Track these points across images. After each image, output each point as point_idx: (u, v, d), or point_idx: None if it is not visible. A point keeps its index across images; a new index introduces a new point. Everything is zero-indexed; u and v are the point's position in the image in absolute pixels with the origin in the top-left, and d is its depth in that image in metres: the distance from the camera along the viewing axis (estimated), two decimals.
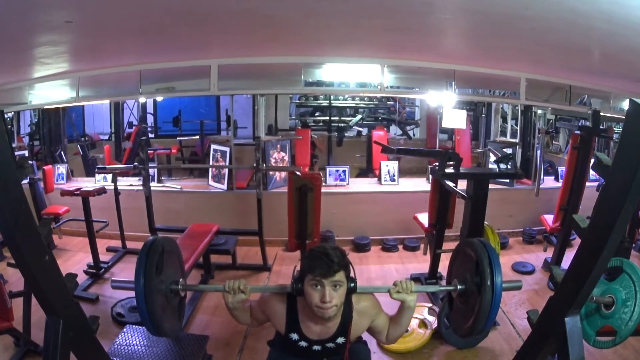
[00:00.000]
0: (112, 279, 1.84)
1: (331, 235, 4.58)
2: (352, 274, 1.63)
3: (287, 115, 7.25)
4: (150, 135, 7.42)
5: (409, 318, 1.74)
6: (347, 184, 4.95)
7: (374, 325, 1.76)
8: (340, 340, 1.72)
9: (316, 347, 1.73)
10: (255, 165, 3.94)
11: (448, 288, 1.85)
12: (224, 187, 4.76)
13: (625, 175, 1.39)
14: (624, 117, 1.58)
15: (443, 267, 3.70)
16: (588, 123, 3.56)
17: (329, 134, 6.77)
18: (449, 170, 3.08)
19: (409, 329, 2.84)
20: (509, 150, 5.31)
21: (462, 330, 1.84)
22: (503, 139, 5.89)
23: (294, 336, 1.72)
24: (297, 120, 7.36)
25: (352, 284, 1.62)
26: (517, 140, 5.36)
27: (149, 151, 6.21)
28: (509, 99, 5.79)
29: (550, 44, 3.18)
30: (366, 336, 1.91)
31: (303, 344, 1.73)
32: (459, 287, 1.78)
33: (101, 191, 3.89)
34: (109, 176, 4.75)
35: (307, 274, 1.57)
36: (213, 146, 5.13)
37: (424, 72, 4.79)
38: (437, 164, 3.19)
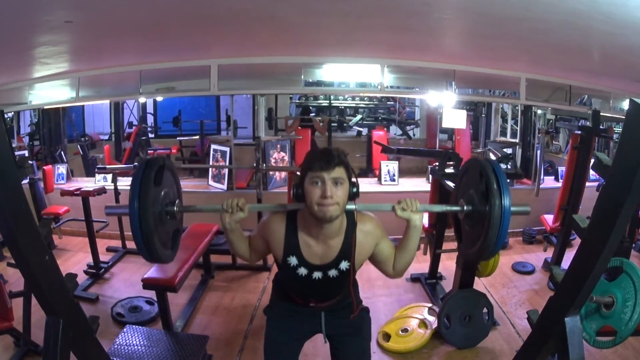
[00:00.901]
0: (106, 205, 1.71)
1: None
2: (354, 179, 1.52)
3: (286, 114, 7.24)
4: (150, 135, 7.41)
5: (416, 241, 1.63)
6: None
7: (379, 249, 1.64)
8: (343, 265, 1.59)
9: (317, 275, 1.59)
10: (255, 165, 3.94)
11: (454, 208, 1.74)
12: (224, 187, 4.76)
13: (625, 175, 1.39)
14: (624, 117, 1.58)
15: (443, 267, 3.71)
16: (588, 123, 3.57)
17: (329, 116, 6.74)
18: (449, 170, 3.08)
19: (408, 328, 2.86)
20: (509, 150, 5.31)
21: (471, 254, 1.72)
22: (503, 139, 5.90)
23: (293, 260, 1.59)
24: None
25: (355, 189, 1.51)
26: (517, 140, 5.36)
27: (149, 151, 6.24)
28: (509, 99, 5.79)
29: (550, 44, 3.18)
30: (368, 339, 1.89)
31: (302, 271, 1.59)
32: (465, 207, 1.68)
33: (101, 191, 3.89)
34: (109, 176, 4.74)
35: (307, 173, 1.46)
36: (213, 146, 5.13)
37: (424, 72, 4.80)
38: (437, 164, 3.20)
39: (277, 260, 1.66)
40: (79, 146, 6.19)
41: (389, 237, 1.67)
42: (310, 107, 7.02)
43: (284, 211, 1.62)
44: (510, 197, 1.53)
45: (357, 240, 1.57)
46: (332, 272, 1.60)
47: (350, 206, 1.56)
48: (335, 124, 6.87)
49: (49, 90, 5.01)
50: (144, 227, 1.46)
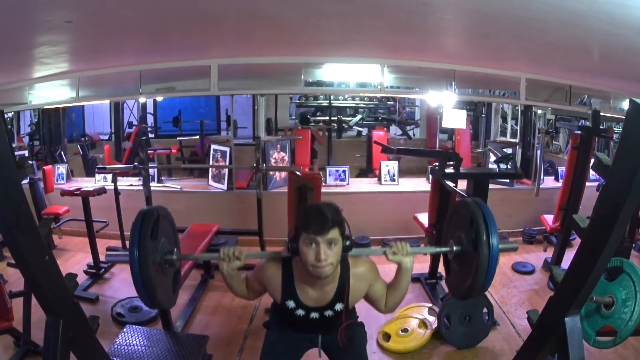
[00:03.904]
0: (107, 252, 1.78)
1: None
2: (347, 232, 1.56)
3: (287, 115, 7.25)
4: (150, 135, 7.41)
5: (407, 281, 1.69)
6: (347, 184, 4.95)
7: (372, 291, 1.71)
8: (338, 307, 1.67)
9: (314, 315, 1.68)
10: (255, 165, 3.94)
11: (444, 249, 1.81)
12: (224, 187, 4.76)
13: (625, 175, 1.39)
14: (624, 117, 1.58)
15: (443, 268, 3.71)
16: (588, 123, 3.56)
17: (329, 125, 6.75)
18: (449, 170, 3.08)
19: (408, 328, 2.86)
20: (509, 150, 5.31)
21: (461, 292, 1.77)
22: (503, 139, 5.90)
23: (291, 304, 1.67)
24: (297, 121, 7.36)
25: (348, 242, 1.56)
26: (517, 140, 5.36)
27: (149, 151, 6.21)
28: (509, 99, 5.79)
29: (550, 44, 3.18)
30: (367, 338, 1.90)
31: (300, 312, 1.68)
32: (455, 247, 1.74)
33: (101, 191, 3.89)
34: (109, 176, 4.75)
35: (301, 233, 1.51)
36: (213, 146, 5.13)
37: (424, 72, 4.79)
38: (437, 164, 3.19)
39: (275, 302, 1.74)
40: (79, 146, 6.19)
41: (381, 278, 1.74)
42: (309, 117, 6.99)
43: (280, 258, 1.68)
44: (498, 237, 1.60)
45: (350, 284, 1.66)
46: (328, 312, 1.69)
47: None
48: (335, 131, 6.87)
49: (49, 90, 5.02)
50: (145, 278, 1.53)
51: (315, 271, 1.51)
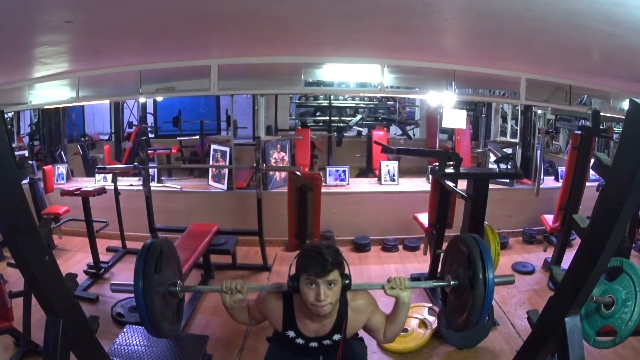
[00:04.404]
0: (112, 282, 1.83)
1: (331, 235, 4.57)
2: (346, 271, 1.64)
3: (287, 115, 7.25)
4: (150, 135, 7.42)
5: (405, 314, 1.75)
6: (347, 184, 4.95)
7: (370, 323, 1.78)
8: (336, 337, 1.74)
9: (313, 344, 1.75)
10: (255, 165, 3.94)
11: (441, 284, 1.87)
12: (224, 187, 4.76)
13: (625, 175, 1.39)
14: (624, 117, 1.58)
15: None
16: (588, 123, 3.56)
17: (329, 134, 6.77)
18: (449, 170, 3.08)
19: (408, 328, 2.86)
20: (509, 150, 5.31)
21: (456, 325, 1.85)
22: (503, 139, 5.89)
23: (291, 333, 1.74)
24: (297, 120, 7.36)
25: (347, 281, 1.64)
26: (517, 140, 5.36)
27: (149, 151, 6.22)
28: (509, 99, 5.79)
29: (550, 44, 3.18)
30: (366, 337, 1.91)
31: (300, 341, 1.75)
32: (452, 282, 1.80)
33: (101, 191, 3.89)
34: (109, 176, 4.75)
35: (302, 273, 1.58)
36: (213, 146, 5.13)
37: (424, 72, 4.79)
38: (437, 164, 3.19)
39: (276, 331, 1.81)
40: (79, 146, 6.19)
41: (380, 310, 1.80)
42: (307, 123, 6.99)
43: (281, 292, 1.74)
44: (493, 272, 1.66)
45: (348, 317, 1.73)
46: (326, 342, 1.75)
47: None
48: (336, 140, 6.87)
49: (49, 90, 5.01)
50: (149, 310, 1.59)
51: (314, 309, 1.58)
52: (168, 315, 1.74)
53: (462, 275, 1.76)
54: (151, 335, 1.80)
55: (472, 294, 1.66)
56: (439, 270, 3.62)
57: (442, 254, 2.03)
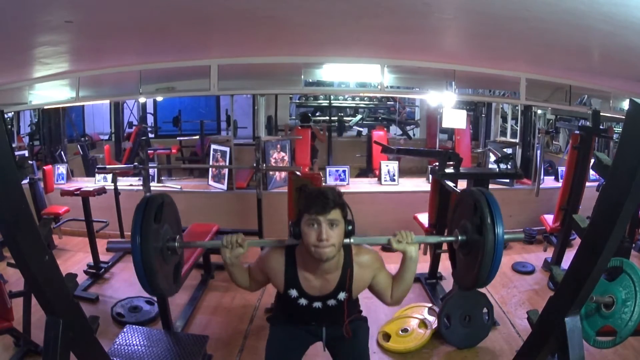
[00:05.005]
0: (108, 240, 1.77)
1: None
2: (349, 217, 1.58)
3: (287, 115, 7.25)
4: (150, 135, 7.41)
5: (413, 272, 1.68)
6: (347, 184, 4.95)
7: (376, 281, 1.70)
8: (341, 295, 1.67)
9: (317, 305, 1.68)
10: (255, 165, 3.93)
11: (450, 239, 1.80)
12: (224, 187, 4.76)
13: (625, 175, 1.39)
14: (624, 117, 1.58)
15: (443, 267, 3.71)
16: (588, 123, 3.56)
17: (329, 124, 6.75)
18: (449, 170, 3.08)
19: (408, 328, 2.86)
20: (509, 150, 5.31)
21: (466, 283, 1.77)
22: (503, 139, 5.89)
23: (293, 292, 1.67)
24: (297, 120, 7.36)
25: (350, 227, 1.57)
26: (517, 140, 5.36)
27: (149, 151, 6.22)
28: (509, 99, 5.78)
29: (550, 44, 3.18)
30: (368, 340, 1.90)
31: (303, 301, 1.67)
32: (460, 237, 1.74)
33: (101, 191, 3.89)
34: (109, 176, 4.74)
35: (303, 214, 1.53)
36: (213, 146, 5.13)
37: (424, 72, 4.79)
38: (437, 164, 3.19)
39: (278, 291, 1.74)
40: (79, 146, 6.19)
41: (386, 269, 1.74)
42: (310, 115, 7.00)
43: (283, 246, 1.68)
44: (504, 226, 1.60)
45: (354, 273, 1.65)
46: (331, 302, 1.68)
47: (347, 240, 1.62)
48: (335, 130, 6.87)
49: (49, 90, 5.01)
50: (146, 263, 1.52)
51: (317, 252, 1.51)
52: (165, 272, 1.67)
53: (470, 230, 1.69)
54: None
55: (482, 244, 1.59)
56: (445, 274, 3.63)
57: (449, 210, 1.96)
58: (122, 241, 1.60)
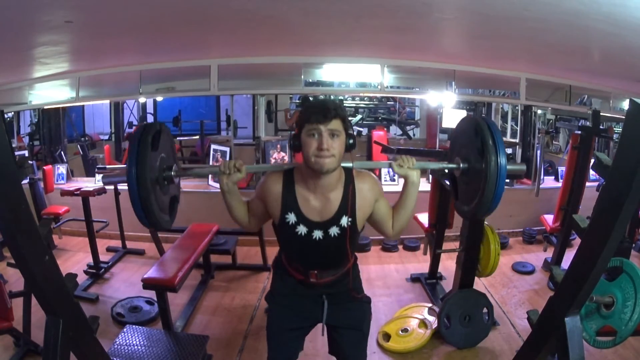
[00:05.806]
0: (103, 175, 1.73)
1: None
2: (350, 131, 1.53)
3: (286, 107, 7.25)
4: None
5: (414, 198, 1.62)
6: None
7: (377, 209, 1.64)
8: (344, 221, 1.57)
9: (317, 234, 1.58)
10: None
11: (451, 166, 1.76)
12: None
13: (625, 175, 1.39)
14: (624, 117, 1.58)
15: (443, 267, 3.71)
16: (588, 123, 3.57)
17: None
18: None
19: (408, 328, 2.86)
20: (509, 150, 5.31)
21: (468, 212, 1.73)
22: (503, 139, 5.89)
23: (291, 217, 1.57)
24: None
25: (351, 141, 1.51)
26: (517, 140, 5.36)
27: None
28: (509, 99, 5.79)
29: (550, 44, 3.18)
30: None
31: (302, 229, 1.58)
32: (461, 165, 1.70)
33: (101, 191, 3.88)
34: None
35: (304, 125, 1.47)
36: (213, 146, 5.13)
37: (424, 72, 4.80)
38: None
39: (275, 221, 1.65)
40: (79, 146, 6.19)
41: (386, 199, 1.68)
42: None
43: (281, 170, 1.62)
44: (506, 155, 1.56)
45: (356, 193, 1.58)
46: (333, 230, 1.58)
47: (348, 164, 1.58)
48: None
49: (49, 90, 5.02)
50: (142, 191, 1.47)
51: (317, 162, 1.45)
52: (161, 202, 1.62)
53: (472, 158, 1.65)
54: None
55: (484, 165, 1.55)
56: (445, 274, 3.63)
57: (451, 133, 1.88)
58: (117, 173, 1.56)
